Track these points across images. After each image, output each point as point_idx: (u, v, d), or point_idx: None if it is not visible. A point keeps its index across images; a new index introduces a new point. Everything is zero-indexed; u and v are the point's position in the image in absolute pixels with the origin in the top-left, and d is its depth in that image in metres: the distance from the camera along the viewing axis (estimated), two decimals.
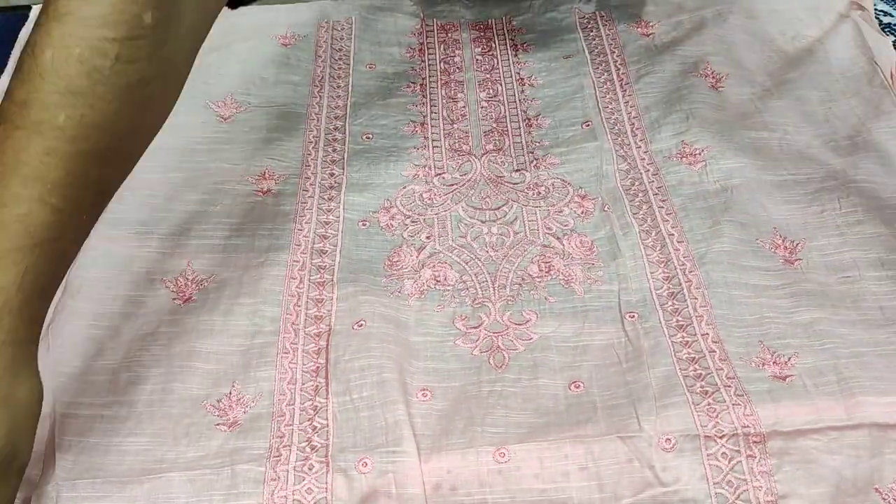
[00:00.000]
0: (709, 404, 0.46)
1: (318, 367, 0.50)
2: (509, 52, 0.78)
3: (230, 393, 0.49)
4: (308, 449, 0.46)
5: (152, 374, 0.50)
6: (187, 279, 0.56)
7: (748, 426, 0.45)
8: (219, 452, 0.46)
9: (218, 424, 0.48)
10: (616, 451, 0.45)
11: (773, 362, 0.49)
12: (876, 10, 0.81)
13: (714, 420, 0.46)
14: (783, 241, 0.57)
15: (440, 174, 0.65)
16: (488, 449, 0.45)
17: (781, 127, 0.67)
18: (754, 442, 0.44)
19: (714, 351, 0.50)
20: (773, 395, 0.47)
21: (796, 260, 0.56)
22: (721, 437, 0.45)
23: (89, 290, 0.55)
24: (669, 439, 0.45)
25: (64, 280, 0.54)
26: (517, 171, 0.65)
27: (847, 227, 0.58)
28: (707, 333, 0.51)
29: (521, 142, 0.68)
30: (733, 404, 0.46)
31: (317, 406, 0.48)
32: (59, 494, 0.44)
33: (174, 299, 0.55)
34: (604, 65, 0.75)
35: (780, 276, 0.55)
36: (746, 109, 0.69)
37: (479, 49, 0.79)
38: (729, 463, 0.44)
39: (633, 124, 0.68)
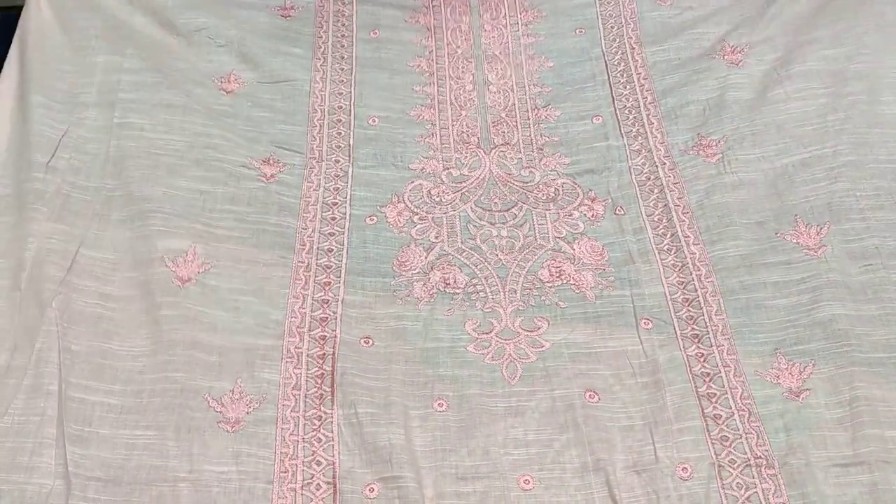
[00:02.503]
0: (721, 431, 0.47)
1: (322, 374, 0.50)
2: (519, 21, 0.75)
3: (233, 390, 0.49)
4: (314, 465, 0.46)
5: (156, 363, 0.50)
6: (188, 262, 0.55)
7: (761, 457, 0.45)
8: (222, 455, 0.46)
9: (220, 422, 0.47)
10: (633, 485, 0.45)
11: (789, 373, 0.49)
12: None
13: (727, 449, 0.46)
14: (806, 228, 0.56)
15: (448, 168, 0.63)
16: (513, 475, 0.45)
17: (804, 91, 0.64)
18: (769, 474, 0.45)
19: (729, 367, 0.50)
20: (786, 422, 0.47)
21: (821, 247, 0.55)
22: (735, 467, 0.45)
23: (94, 268, 0.54)
24: (686, 468, 0.45)
25: (70, 259, 0.54)
26: (526, 168, 0.63)
27: (870, 212, 0.56)
28: (722, 345, 0.51)
29: (530, 136, 0.66)
30: (746, 433, 0.46)
31: (322, 416, 0.48)
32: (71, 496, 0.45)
33: (174, 280, 0.54)
34: (618, 41, 0.72)
35: (803, 268, 0.54)
36: (769, 80, 0.66)
37: (488, 15, 0.75)
38: (745, 493, 0.44)
39: (648, 111, 0.66)
